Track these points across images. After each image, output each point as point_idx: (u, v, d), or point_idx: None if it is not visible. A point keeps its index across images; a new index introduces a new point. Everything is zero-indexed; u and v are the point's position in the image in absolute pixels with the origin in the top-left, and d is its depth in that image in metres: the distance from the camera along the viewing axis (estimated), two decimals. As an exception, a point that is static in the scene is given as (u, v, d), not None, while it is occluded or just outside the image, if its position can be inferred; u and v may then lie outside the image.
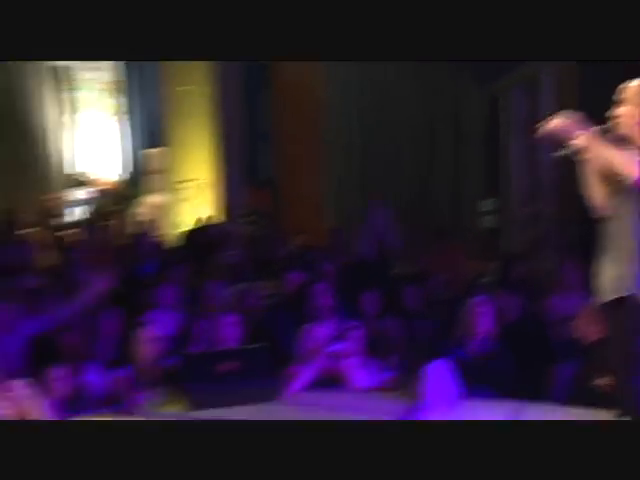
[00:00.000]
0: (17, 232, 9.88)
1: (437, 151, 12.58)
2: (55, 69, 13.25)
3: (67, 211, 12.42)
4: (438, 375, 5.37)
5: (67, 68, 13.24)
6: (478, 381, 5.49)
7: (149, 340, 6.12)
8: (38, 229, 10.37)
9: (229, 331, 6.39)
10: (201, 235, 9.86)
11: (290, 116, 11.30)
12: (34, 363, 5.82)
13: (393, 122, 12.34)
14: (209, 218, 10.46)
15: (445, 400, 5.29)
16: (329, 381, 6.06)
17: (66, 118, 13.54)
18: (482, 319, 5.96)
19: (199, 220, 10.19)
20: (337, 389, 6.01)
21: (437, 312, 7.07)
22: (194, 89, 11.18)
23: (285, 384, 5.96)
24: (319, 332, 6.24)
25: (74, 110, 13.56)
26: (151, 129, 13.03)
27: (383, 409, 5.48)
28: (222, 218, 10.89)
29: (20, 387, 5.12)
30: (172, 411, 5.71)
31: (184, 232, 10.25)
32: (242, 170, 11.73)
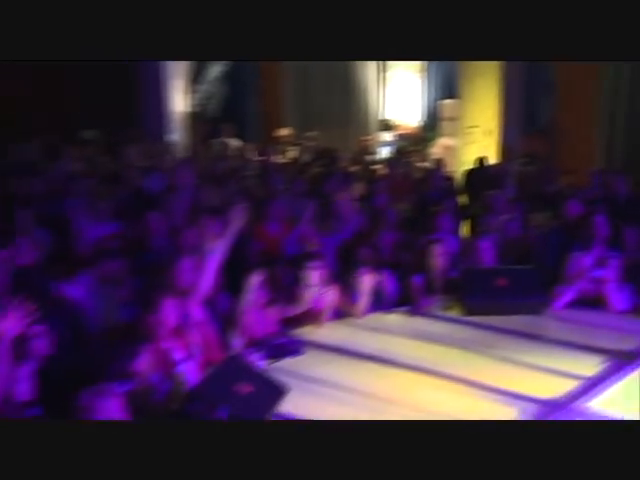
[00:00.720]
0: (340, 166, 10.14)
1: None
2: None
3: (377, 150, 12.59)
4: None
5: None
6: None
7: (439, 255, 6.11)
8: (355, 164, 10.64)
9: (486, 254, 6.34)
10: (481, 173, 9.63)
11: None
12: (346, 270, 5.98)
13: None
14: (489, 159, 10.15)
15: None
16: (589, 302, 5.84)
17: (380, 76, 13.62)
18: None
19: (481, 160, 9.93)
20: (595, 309, 5.78)
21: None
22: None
23: (551, 301, 5.80)
24: (585, 259, 5.97)
25: (386, 69, 13.60)
26: (447, 84, 12.85)
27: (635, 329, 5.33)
28: (501, 160, 10.54)
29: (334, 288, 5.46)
30: (451, 315, 5.81)
31: (468, 170, 10.05)
32: (521, 118, 11.27)
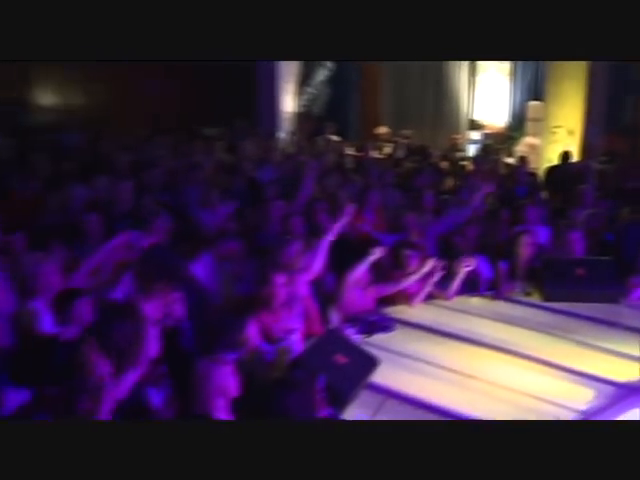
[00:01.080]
0: (431, 161, 10.04)
1: None
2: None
3: (466, 147, 12.43)
4: None
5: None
6: None
7: (527, 244, 6.01)
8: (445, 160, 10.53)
9: (577, 245, 6.16)
10: (563, 170, 9.35)
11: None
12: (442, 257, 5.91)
13: None
14: (571, 157, 9.82)
15: None
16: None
17: (470, 78, 13.41)
18: None
19: (566, 154, 9.64)
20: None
21: None
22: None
23: (627, 291, 5.61)
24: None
25: (476, 72, 13.36)
26: (533, 86, 12.50)
27: None
28: (583, 158, 10.20)
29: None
30: (532, 300, 5.71)
31: (551, 167, 9.76)
32: (603, 118, 10.83)
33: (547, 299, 5.62)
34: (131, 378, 3.49)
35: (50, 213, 6.26)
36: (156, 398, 3.66)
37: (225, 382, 3.41)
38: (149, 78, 13.23)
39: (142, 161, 8.48)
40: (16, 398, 3.43)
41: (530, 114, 12.13)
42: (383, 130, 12.41)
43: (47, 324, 4.10)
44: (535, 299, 5.72)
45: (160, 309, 3.95)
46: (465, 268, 5.65)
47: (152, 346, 3.63)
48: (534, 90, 12.38)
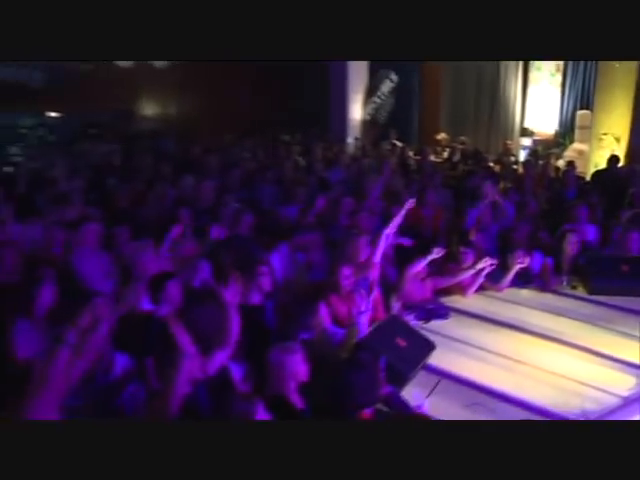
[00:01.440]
0: (484, 165, 9.90)
1: None
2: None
3: (518, 152, 12.30)
4: None
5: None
6: None
7: (574, 242, 5.90)
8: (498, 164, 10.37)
9: (636, 243, 5.98)
10: (611, 173, 9.03)
11: None
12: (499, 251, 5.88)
13: None
14: (619, 161, 9.50)
15: None
16: None
17: (522, 88, 13.23)
18: None
19: (614, 158, 9.35)
20: None
21: None
22: (621, 66, 10.09)
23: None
24: None
25: (528, 84, 13.14)
26: (581, 96, 12.16)
27: None
28: (628, 162, 9.86)
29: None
30: (576, 293, 5.59)
31: (599, 170, 9.48)
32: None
33: (592, 292, 5.48)
34: (219, 358, 3.55)
35: (147, 209, 6.44)
36: (237, 372, 3.72)
37: (296, 368, 3.43)
38: (235, 91, 13.58)
39: (228, 163, 8.64)
40: (121, 364, 3.55)
41: (579, 122, 11.83)
42: (442, 136, 12.46)
43: (145, 303, 4.22)
44: (580, 292, 5.59)
45: (239, 294, 4.00)
46: (519, 264, 5.56)
47: (235, 328, 3.69)
48: (582, 100, 12.08)
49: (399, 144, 11.31)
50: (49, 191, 6.58)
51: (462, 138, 12.10)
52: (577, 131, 11.82)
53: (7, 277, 4.49)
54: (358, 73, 12.38)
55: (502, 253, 5.75)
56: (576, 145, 11.54)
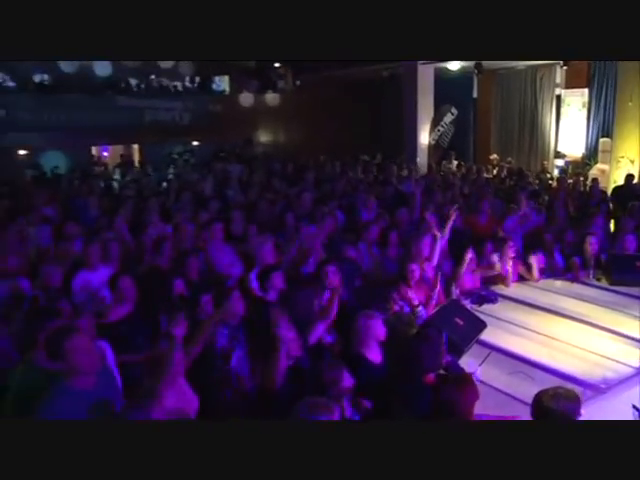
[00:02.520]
0: (526, 181, 9.46)
1: None
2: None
3: (552, 171, 11.82)
4: None
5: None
6: None
7: (593, 243, 5.64)
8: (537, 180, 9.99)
9: (630, 244, 5.69)
10: (626, 189, 8.48)
11: None
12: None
13: None
14: (634, 179, 8.92)
15: None
16: None
17: (556, 117, 12.74)
18: None
19: (630, 176, 8.79)
20: None
21: None
22: (633, 104, 9.48)
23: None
24: None
25: (560, 116, 12.64)
26: (603, 127, 11.54)
27: None
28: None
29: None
30: (600, 284, 5.31)
31: (617, 186, 8.94)
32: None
33: (613, 284, 5.22)
34: (319, 330, 3.61)
35: (261, 213, 6.43)
36: (328, 338, 3.76)
37: (377, 330, 3.43)
38: (327, 121, 13.83)
39: (321, 178, 8.73)
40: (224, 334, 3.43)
41: (601, 147, 11.31)
42: (494, 157, 12.56)
43: (257, 289, 4.19)
44: (602, 283, 5.33)
45: (337, 281, 4.05)
46: (535, 262, 5.36)
47: (334, 307, 3.75)
48: (604, 129, 11.53)
49: (463, 164, 11.18)
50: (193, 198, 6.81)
51: (509, 159, 12.07)
52: (600, 154, 11.31)
53: (166, 263, 4.68)
54: (425, 107, 12.36)
55: (526, 253, 5.52)
56: (599, 165, 11.01)
